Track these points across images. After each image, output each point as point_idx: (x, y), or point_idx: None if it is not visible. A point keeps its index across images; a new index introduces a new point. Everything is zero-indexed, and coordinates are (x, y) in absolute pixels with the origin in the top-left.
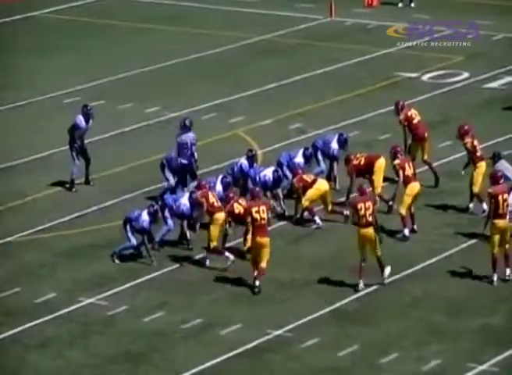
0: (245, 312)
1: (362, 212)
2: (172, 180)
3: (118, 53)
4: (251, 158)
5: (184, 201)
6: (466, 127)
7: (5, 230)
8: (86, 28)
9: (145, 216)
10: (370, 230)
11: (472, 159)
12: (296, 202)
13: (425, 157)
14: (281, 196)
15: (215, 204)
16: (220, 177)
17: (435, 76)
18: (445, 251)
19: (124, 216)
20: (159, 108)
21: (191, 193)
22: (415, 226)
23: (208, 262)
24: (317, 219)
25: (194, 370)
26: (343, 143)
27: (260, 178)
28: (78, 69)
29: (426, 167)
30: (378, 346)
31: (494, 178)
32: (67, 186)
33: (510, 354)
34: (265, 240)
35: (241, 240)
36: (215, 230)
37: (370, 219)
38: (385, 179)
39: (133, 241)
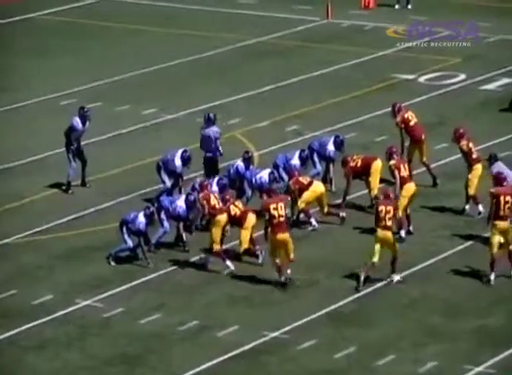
0: (242, 313)
1: (382, 214)
2: (168, 183)
3: (115, 55)
4: (247, 161)
5: (180, 203)
6: (461, 130)
7: (2, 232)
8: (83, 30)
9: (141, 218)
10: (388, 234)
11: (468, 162)
12: (292, 204)
13: (424, 159)
14: None
15: (217, 206)
16: (216, 179)
17: (431, 78)
18: (441, 252)
19: (120, 218)
20: (156, 110)
21: (188, 195)
22: (411, 228)
23: (209, 264)
24: (313, 221)
25: (191, 372)
26: (339, 145)
27: (256, 180)
28: (75, 71)
29: (423, 169)
30: (374, 348)
31: (497, 179)
32: (64, 188)
33: (506, 355)
34: (285, 236)
35: (237, 242)
36: (216, 233)
37: (389, 223)
38: (382, 180)
39: (130, 243)
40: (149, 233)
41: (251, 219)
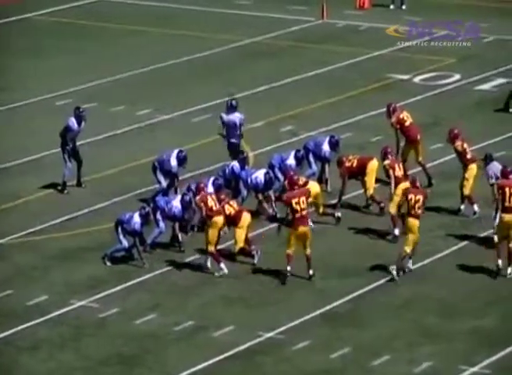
0: (237, 314)
1: (412, 203)
2: (164, 183)
3: (110, 55)
4: (243, 161)
5: (176, 203)
6: (456, 131)
7: None
8: (79, 30)
9: (137, 219)
10: (415, 222)
11: (463, 162)
12: None
13: (420, 159)
14: (272, 198)
15: (214, 207)
16: (212, 179)
17: (426, 78)
18: (437, 252)
19: (116, 219)
20: (151, 111)
21: (183, 195)
22: None
23: (209, 264)
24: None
25: (186, 372)
26: (334, 145)
27: (251, 180)
28: (70, 71)
29: (418, 169)
30: (369, 348)
31: (504, 173)
32: (59, 188)
33: (502, 356)
34: (306, 229)
35: (232, 242)
36: (213, 234)
37: (419, 211)
38: (377, 180)
39: (125, 244)
40: (144, 233)
41: (246, 218)
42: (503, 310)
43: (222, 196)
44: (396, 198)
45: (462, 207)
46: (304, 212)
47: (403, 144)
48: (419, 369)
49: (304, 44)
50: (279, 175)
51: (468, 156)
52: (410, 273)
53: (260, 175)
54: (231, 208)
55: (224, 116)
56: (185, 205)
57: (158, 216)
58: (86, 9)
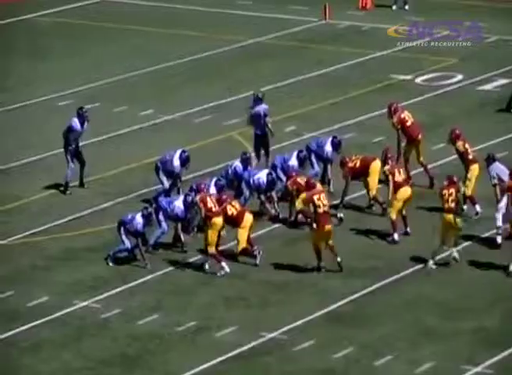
0: (240, 314)
1: (446, 197)
2: (166, 183)
3: (112, 55)
4: (245, 161)
5: (178, 203)
6: (457, 131)
7: None
8: (81, 31)
9: (139, 219)
10: (451, 216)
11: (465, 162)
12: (291, 205)
13: (421, 159)
14: (275, 199)
15: (213, 208)
16: (214, 180)
17: (428, 79)
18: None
19: (118, 219)
20: (153, 111)
21: (186, 196)
22: (408, 229)
23: (207, 266)
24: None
25: (189, 373)
26: (336, 145)
27: (254, 181)
28: (72, 72)
29: (420, 169)
30: (372, 348)
31: None
32: (61, 189)
33: (503, 356)
34: (330, 227)
35: (234, 242)
36: (212, 235)
37: (452, 205)
38: (380, 181)
39: (127, 244)
40: (147, 233)
41: (248, 218)
42: (506, 310)
43: (225, 197)
44: (397, 203)
45: (464, 207)
46: (325, 208)
47: (405, 144)
48: (421, 370)
49: (307, 45)
50: (282, 176)
51: (470, 157)
52: (413, 274)
53: (262, 176)
54: (233, 208)
55: (250, 109)
56: (187, 205)
57: (161, 216)
58: (88, 10)
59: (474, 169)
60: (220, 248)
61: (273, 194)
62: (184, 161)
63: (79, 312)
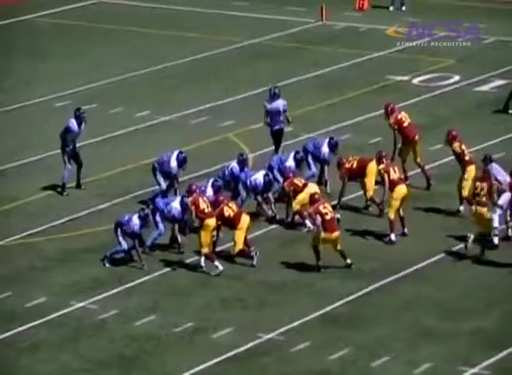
0: (237, 315)
1: (478, 190)
2: (164, 184)
3: (109, 56)
4: (242, 163)
5: (175, 204)
6: (454, 133)
7: None
8: (79, 31)
9: (136, 220)
10: (482, 210)
11: (461, 163)
12: (287, 206)
13: (418, 159)
14: (272, 200)
15: (206, 210)
16: (211, 181)
17: (425, 80)
18: (436, 254)
19: (115, 220)
20: (149, 112)
21: (183, 197)
22: (406, 230)
23: (202, 263)
24: (307, 222)
25: (186, 374)
26: (333, 147)
27: (251, 182)
28: (69, 73)
29: (416, 170)
30: (369, 349)
31: None
32: (59, 190)
33: (501, 357)
34: (337, 234)
35: (231, 244)
36: (205, 236)
37: (483, 199)
38: (377, 182)
39: (124, 245)
40: (144, 235)
41: (245, 220)
42: (503, 311)
43: (222, 198)
44: (395, 202)
45: (461, 208)
46: (332, 214)
47: (402, 145)
48: (418, 371)
49: (304, 46)
50: (278, 177)
51: (466, 158)
52: (410, 274)
53: (259, 177)
54: (230, 209)
55: (267, 104)
56: (184, 206)
57: (158, 217)
58: (86, 11)
59: (471, 170)
60: (217, 249)
61: (270, 195)
62: (181, 162)
63: (76, 313)
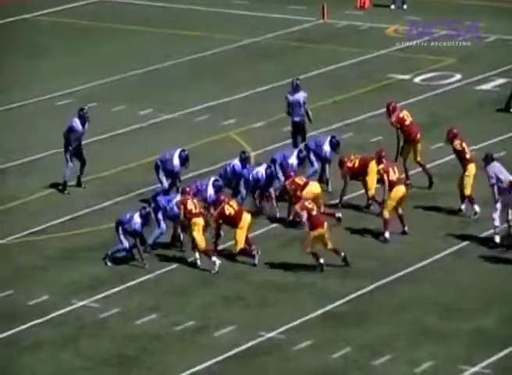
0: (238, 314)
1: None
2: (166, 183)
3: (110, 55)
4: (244, 161)
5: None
6: (454, 131)
7: None
8: (79, 30)
9: (137, 219)
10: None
11: (462, 162)
12: (289, 205)
13: (418, 158)
14: (273, 196)
15: (194, 210)
16: (212, 180)
17: (427, 78)
18: (437, 253)
19: (116, 219)
20: (152, 111)
21: None
22: (406, 228)
23: (198, 262)
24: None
25: (187, 373)
26: (334, 145)
27: (253, 176)
28: (71, 71)
29: (418, 169)
30: (370, 348)
31: None
32: (60, 188)
33: (502, 356)
34: (324, 230)
35: (232, 242)
36: (197, 235)
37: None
38: (378, 180)
39: (126, 244)
40: (145, 233)
41: (246, 218)
42: (503, 310)
43: (222, 197)
44: (391, 202)
45: (463, 207)
46: (316, 210)
47: (403, 144)
48: (419, 370)
49: (305, 44)
50: (280, 174)
51: (467, 156)
52: (410, 274)
53: (261, 169)
54: (231, 208)
55: (289, 96)
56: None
57: (160, 215)
58: (86, 9)
59: (472, 168)
60: (218, 247)
61: (271, 191)
62: (184, 160)
63: (77, 312)
